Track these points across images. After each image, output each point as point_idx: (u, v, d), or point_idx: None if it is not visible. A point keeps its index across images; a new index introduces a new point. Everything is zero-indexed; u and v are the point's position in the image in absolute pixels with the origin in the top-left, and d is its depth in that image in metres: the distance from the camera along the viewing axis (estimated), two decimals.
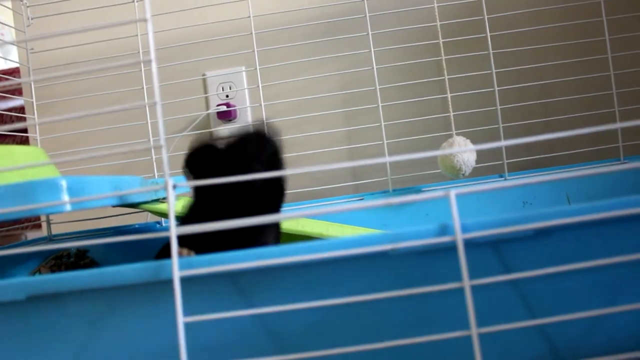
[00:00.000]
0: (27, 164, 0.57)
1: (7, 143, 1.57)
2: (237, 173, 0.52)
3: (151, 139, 1.01)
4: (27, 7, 1.03)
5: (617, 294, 0.44)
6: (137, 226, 0.96)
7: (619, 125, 0.44)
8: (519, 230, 0.42)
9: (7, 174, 0.54)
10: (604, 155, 0.98)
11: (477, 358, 0.39)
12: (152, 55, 0.43)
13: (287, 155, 1.05)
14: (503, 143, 0.45)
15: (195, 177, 0.59)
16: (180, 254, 0.44)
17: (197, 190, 0.60)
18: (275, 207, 0.61)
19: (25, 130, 1.11)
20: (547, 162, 1.02)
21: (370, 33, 0.98)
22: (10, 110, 1.58)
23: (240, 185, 0.54)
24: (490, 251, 0.43)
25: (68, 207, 0.46)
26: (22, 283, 0.45)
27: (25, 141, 1.51)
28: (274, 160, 0.60)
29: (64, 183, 0.47)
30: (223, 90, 1.12)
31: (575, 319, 0.41)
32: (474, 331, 0.40)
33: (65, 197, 0.47)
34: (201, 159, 0.59)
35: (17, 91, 1.41)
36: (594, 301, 0.44)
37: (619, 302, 0.42)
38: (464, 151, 0.89)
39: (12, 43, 0.62)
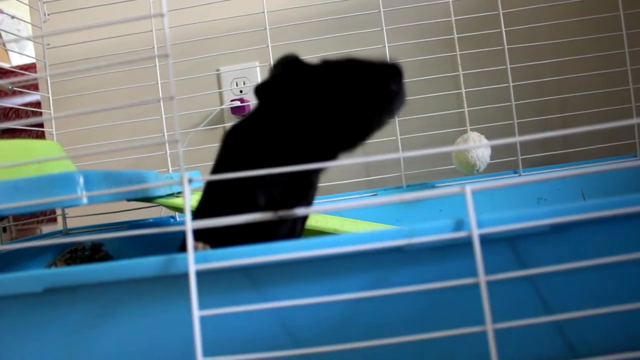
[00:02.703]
0: (45, 158, 0.57)
1: (24, 138, 1.59)
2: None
3: (166, 134, 1.01)
4: (44, 2, 1.03)
5: (635, 290, 0.43)
6: (151, 220, 0.97)
7: (635, 121, 0.43)
8: (535, 226, 0.42)
9: (26, 167, 0.55)
10: (620, 152, 0.97)
11: (492, 354, 0.39)
12: (168, 50, 0.43)
13: None
14: (517, 139, 0.45)
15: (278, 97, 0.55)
16: (195, 248, 0.44)
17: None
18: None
19: (41, 125, 1.12)
20: (562, 158, 1.01)
21: (384, 28, 0.97)
22: (26, 105, 1.60)
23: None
24: (506, 247, 0.43)
25: (84, 200, 0.47)
26: (40, 275, 0.45)
27: (41, 136, 1.53)
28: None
29: (80, 177, 0.47)
30: (237, 85, 1.12)
31: (592, 315, 0.41)
32: (490, 327, 0.40)
33: (82, 191, 0.47)
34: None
35: (34, 87, 1.43)
36: (611, 297, 0.43)
37: (637, 299, 0.42)
38: (478, 147, 0.88)
39: (29, 38, 0.63)
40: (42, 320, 0.47)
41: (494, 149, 0.93)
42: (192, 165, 0.97)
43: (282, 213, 0.43)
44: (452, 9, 0.96)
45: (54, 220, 1.62)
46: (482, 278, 0.40)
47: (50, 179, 0.46)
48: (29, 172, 0.55)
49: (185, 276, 0.42)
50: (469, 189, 0.42)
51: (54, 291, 0.46)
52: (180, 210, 0.83)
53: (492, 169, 0.96)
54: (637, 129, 0.93)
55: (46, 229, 1.75)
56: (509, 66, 0.95)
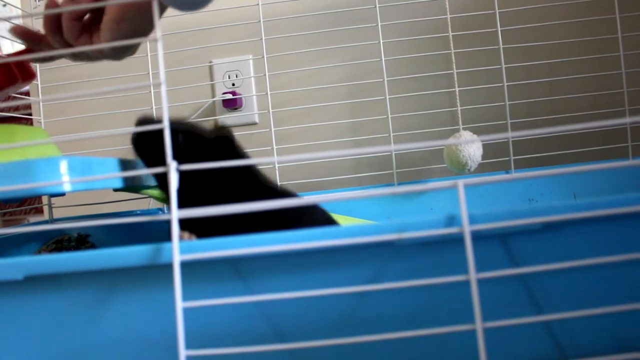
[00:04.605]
0: (28, 142, 0.56)
1: None
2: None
3: None
4: None
5: (626, 292, 0.43)
6: (139, 212, 0.95)
7: (628, 119, 0.43)
8: (528, 224, 0.41)
9: (9, 153, 0.53)
10: (613, 155, 0.97)
11: (481, 352, 0.38)
12: (158, 34, 0.42)
13: (291, 145, 1.04)
14: (510, 135, 0.44)
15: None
16: (181, 238, 0.43)
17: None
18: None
19: (30, 115, 1.11)
20: (554, 160, 1.01)
21: (379, 24, 0.96)
22: (17, 93, 1.58)
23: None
24: (497, 244, 0.43)
25: (68, 187, 0.46)
26: (20, 262, 0.44)
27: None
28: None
29: (64, 162, 0.46)
30: (229, 78, 1.11)
31: (583, 316, 0.40)
32: (479, 325, 0.39)
33: (65, 177, 0.46)
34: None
35: None
36: (602, 299, 0.43)
37: (628, 300, 0.42)
38: (470, 142, 0.88)
39: (4, 20, 0.62)
40: (22, 310, 0.46)
41: (486, 149, 0.92)
42: None
43: (262, 205, 0.42)
44: (447, 7, 0.95)
45: (41, 211, 1.60)
46: (473, 275, 0.40)
47: (31, 164, 0.45)
48: (13, 157, 0.54)
49: (170, 266, 0.41)
50: (461, 183, 0.41)
51: (35, 279, 0.44)
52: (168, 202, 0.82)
53: (484, 169, 0.95)
54: (629, 130, 0.93)
55: (33, 219, 1.73)
56: (503, 66, 0.94)
